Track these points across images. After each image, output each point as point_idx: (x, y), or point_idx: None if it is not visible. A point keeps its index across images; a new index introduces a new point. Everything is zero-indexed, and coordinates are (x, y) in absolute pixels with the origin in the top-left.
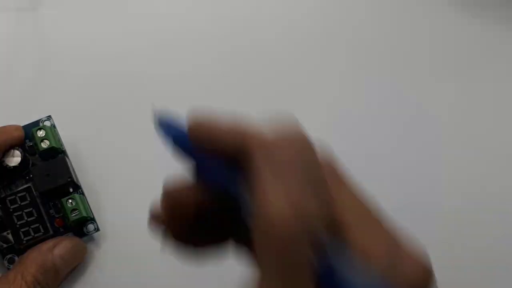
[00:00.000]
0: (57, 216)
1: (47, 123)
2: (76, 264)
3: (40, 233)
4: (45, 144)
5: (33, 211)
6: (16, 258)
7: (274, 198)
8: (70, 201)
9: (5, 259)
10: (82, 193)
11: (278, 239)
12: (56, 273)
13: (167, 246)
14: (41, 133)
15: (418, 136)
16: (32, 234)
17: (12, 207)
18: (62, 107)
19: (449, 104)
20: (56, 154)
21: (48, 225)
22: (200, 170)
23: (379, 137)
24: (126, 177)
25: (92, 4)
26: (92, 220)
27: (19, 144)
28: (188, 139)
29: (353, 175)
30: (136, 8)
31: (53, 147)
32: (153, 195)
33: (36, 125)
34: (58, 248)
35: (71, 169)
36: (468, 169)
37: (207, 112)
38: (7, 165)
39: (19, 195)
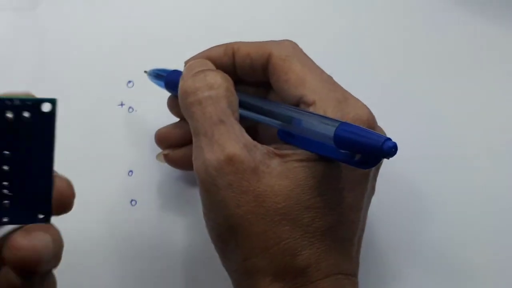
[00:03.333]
0: None
1: None
2: None
3: None
4: None
5: None
6: None
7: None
8: None
9: None
10: None
11: None
12: None
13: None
14: None
15: (422, 135)
16: None
17: None
18: (60, 107)
19: (453, 103)
20: None
21: None
22: None
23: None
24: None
25: (91, 3)
26: None
27: None
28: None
29: None
30: (136, 7)
31: None
32: None
33: None
34: None
35: None
36: (472, 168)
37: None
38: None
39: None
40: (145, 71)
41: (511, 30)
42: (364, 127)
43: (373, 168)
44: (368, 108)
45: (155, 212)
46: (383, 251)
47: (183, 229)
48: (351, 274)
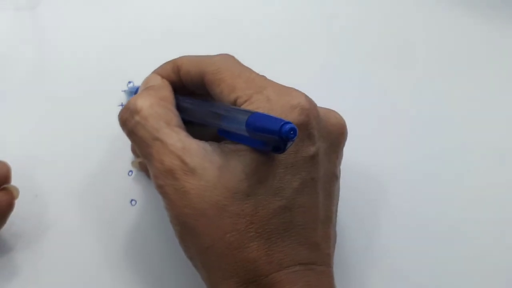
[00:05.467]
0: None
1: None
2: None
3: None
4: None
5: None
6: None
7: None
8: None
9: None
10: None
11: None
12: None
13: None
14: None
15: (422, 135)
16: None
17: None
18: (60, 107)
19: (452, 103)
20: None
21: None
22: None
23: (380, 137)
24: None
25: (91, 3)
26: None
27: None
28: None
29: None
30: (136, 8)
31: None
32: None
33: None
34: None
35: None
36: (472, 168)
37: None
38: None
39: None
40: (123, 91)
41: (511, 30)
42: (270, 115)
43: (321, 151)
44: (302, 95)
45: (155, 212)
46: (384, 251)
47: None
48: (316, 263)
